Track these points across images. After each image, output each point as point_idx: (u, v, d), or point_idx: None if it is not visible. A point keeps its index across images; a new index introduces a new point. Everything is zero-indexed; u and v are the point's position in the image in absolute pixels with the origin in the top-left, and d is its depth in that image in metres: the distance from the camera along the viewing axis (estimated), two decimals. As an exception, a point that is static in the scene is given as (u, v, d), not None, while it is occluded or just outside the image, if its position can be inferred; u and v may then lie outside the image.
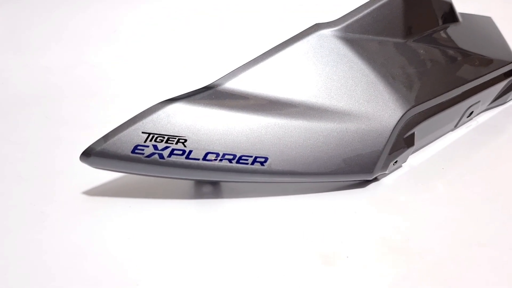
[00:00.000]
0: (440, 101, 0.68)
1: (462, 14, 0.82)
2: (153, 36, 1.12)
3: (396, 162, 0.65)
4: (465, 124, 0.79)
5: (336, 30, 0.64)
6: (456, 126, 0.76)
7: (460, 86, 0.71)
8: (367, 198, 0.63)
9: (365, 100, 0.62)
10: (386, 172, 0.64)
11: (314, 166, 0.60)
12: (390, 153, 0.63)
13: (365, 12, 0.66)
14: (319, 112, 0.61)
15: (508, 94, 0.84)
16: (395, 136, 0.63)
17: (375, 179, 0.65)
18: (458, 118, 0.75)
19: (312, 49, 0.63)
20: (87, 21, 1.11)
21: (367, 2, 0.67)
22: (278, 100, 0.60)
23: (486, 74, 0.76)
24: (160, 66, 1.08)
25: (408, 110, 0.63)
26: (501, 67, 0.79)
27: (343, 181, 0.64)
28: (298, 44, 0.63)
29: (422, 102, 0.65)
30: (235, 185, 0.65)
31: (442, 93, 0.68)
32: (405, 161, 0.67)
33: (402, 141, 0.64)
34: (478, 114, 0.81)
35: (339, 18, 0.65)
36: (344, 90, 0.62)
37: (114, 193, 0.64)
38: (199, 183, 0.66)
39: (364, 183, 0.65)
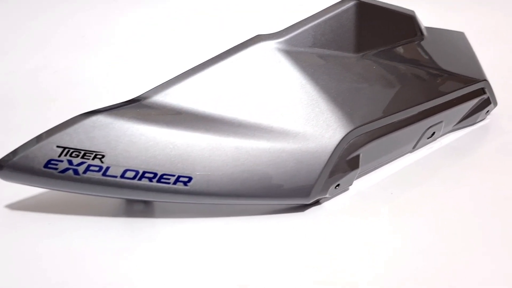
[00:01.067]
0: (391, 121, 0.64)
1: (429, 28, 0.78)
2: (119, 43, 1.09)
3: (338, 185, 0.60)
4: (427, 146, 0.74)
5: (278, 42, 0.60)
6: (414, 148, 0.72)
7: (416, 105, 0.66)
8: (304, 223, 0.58)
9: (305, 119, 0.58)
10: (328, 195, 0.60)
11: (244, 188, 0.56)
12: (330, 176, 0.58)
13: (313, 23, 0.62)
14: (252, 130, 0.57)
15: (477, 115, 0.79)
16: (336, 158, 0.58)
17: (317, 203, 0.61)
18: (417, 139, 0.70)
19: (251, 62, 0.59)
20: (54, 25, 1.09)
21: (315, 13, 0.63)
22: (208, 115, 0.56)
23: (449, 93, 0.71)
24: (127, 73, 1.05)
25: (352, 130, 0.59)
26: (468, 86, 0.74)
27: (278, 204, 0.59)
28: (236, 57, 0.59)
29: (369, 122, 0.61)
30: (168, 204, 0.61)
31: (394, 113, 0.64)
32: (351, 184, 0.63)
33: (345, 163, 0.60)
34: (442, 135, 0.76)
35: (284, 29, 0.61)
36: (282, 107, 0.58)
37: (36, 208, 0.60)
38: (130, 200, 0.62)
39: (303, 207, 0.60)
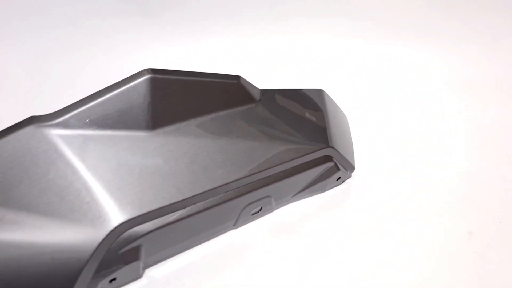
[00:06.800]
0: (184, 207, 0.59)
1: (272, 90, 0.72)
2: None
3: (114, 279, 0.56)
4: (257, 221, 0.69)
5: (51, 125, 0.56)
6: (235, 225, 0.66)
7: (222, 185, 0.61)
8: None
9: (69, 209, 0.54)
10: (102, 290, 0.56)
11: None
12: (98, 272, 0.54)
13: (94, 103, 0.57)
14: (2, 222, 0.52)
15: (324, 183, 0.73)
16: (104, 252, 0.54)
17: (97, 295, 0.56)
18: (234, 218, 0.65)
19: (18, 148, 0.55)
20: None
21: (98, 91, 0.58)
22: None
23: (274, 166, 0.66)
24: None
25: (123, 223, 0.54)
26: (301, 156, 0.69)
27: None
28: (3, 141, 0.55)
29: (150, 212, 0.56)
30: None
31: (188, 197, 0.59)
32: (138, 275, 0.58)
33: (119, 256, 0.55)
34: (282, 205, 0.71)
35: (60, 109, 0.57)
36: (46, 197, 0.54)
37: None
38: None
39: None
